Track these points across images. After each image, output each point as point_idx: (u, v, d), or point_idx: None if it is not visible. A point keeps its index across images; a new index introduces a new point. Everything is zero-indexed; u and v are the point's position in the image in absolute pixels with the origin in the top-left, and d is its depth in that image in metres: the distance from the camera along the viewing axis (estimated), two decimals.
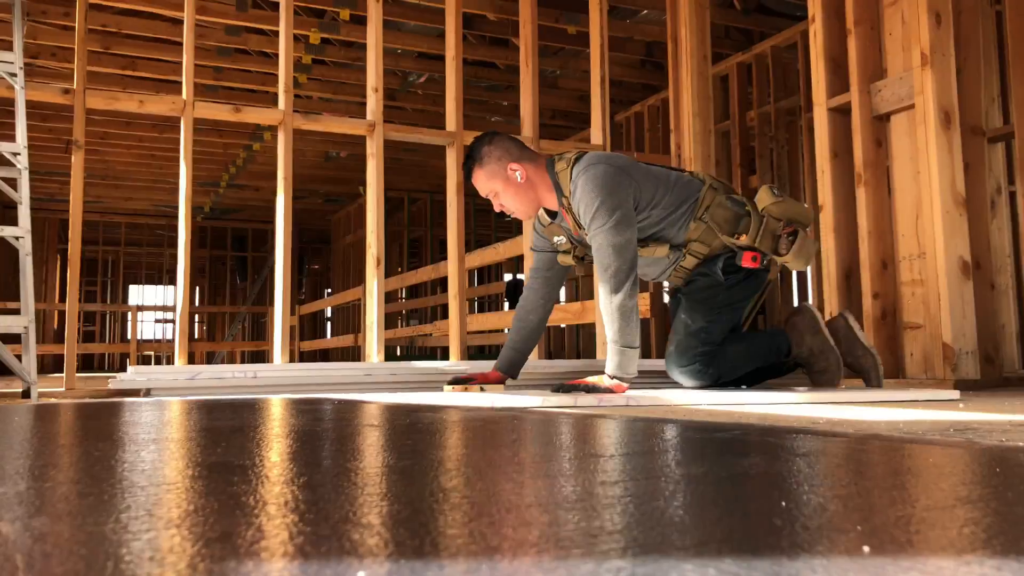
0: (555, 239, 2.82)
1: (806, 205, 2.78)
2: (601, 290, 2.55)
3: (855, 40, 3.39)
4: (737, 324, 2.79)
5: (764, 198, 2.71)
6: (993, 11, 3.87)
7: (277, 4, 3.88)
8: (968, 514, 0.59)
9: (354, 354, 10.82)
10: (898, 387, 2.99)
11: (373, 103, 3.85)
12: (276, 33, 4.46)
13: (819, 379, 2.79)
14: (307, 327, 14.45)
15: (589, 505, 0.63)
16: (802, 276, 6.87)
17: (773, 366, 2.83)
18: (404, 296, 11.99)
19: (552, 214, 2.79)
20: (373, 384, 3.17)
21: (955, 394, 2.37)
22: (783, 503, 0.64)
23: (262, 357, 12.96)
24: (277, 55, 4.19)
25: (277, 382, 3.01)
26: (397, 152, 9.38)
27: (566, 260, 2.84)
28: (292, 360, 10.52)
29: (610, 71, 4.45)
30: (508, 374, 2.87)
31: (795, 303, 6.82)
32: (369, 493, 0.71)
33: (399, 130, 4.00)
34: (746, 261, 2.67)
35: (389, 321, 10.86)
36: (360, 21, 5.74)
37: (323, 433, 1.34)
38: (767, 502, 0.65)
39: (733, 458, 0.94)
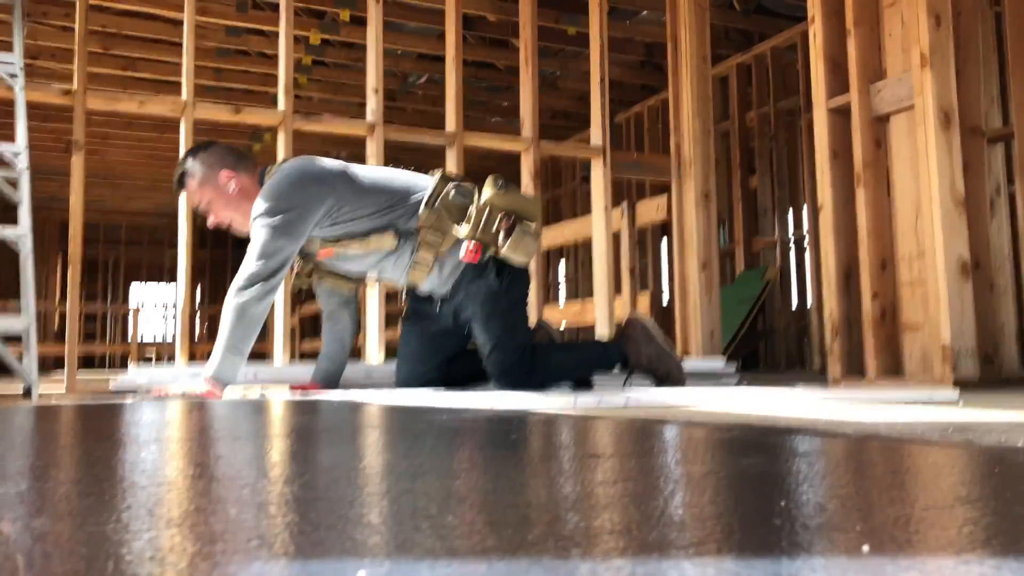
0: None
1: (533, 196, 2.70)
2: (232, 285, 2.46)
3: (855, 41, 3.40)
4: (527, 319, 2.79)
5: (487, 189, 2.56)
6: (992, 12, 3.88)
7: (277, 5, 3.88)
8: (967, 514, 0.59)
9: (354, 354, 10.81)
10: (897, 387, 2.99)
11: (373, 104, 3.85)
12: (276, 34, 4.46)
13: (663, 385, 2.85)
14: (308, 327, 14.44)
15: (589, 505, 0.64)
16: (801, 276, 6.87)
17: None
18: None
19: None
20: (373, 384, 3.17)
21: (954, 394, 2.37)
22: (783, 503, 0.64)
23: (263, 357, 12.95)
24: (277, 56, 4.19)
25: (277, 382, 3.01)
26: (397, 153, 9.36)
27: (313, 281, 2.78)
28: (293, 360, 10.47)
29: (610, 72, 4.45)
30: (328, 386, 2.81)
31: (794, 303, 6.82)
32: (369, 492, 0.71)
33: (399, 131, 4.01)
34: (467, 255, 2.55)
35: (389, 321, 10.85)
36: (360, 22, 5.74)
37: (323, 433, 1.34)
38: (767, 502, 0.65)
39: (733, 458, 0.94)
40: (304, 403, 2.22)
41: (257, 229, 2.45)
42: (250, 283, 2.41)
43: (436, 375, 2.81)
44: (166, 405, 2.07)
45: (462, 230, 2.55)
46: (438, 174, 2.69)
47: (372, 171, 2.73)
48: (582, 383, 2.88)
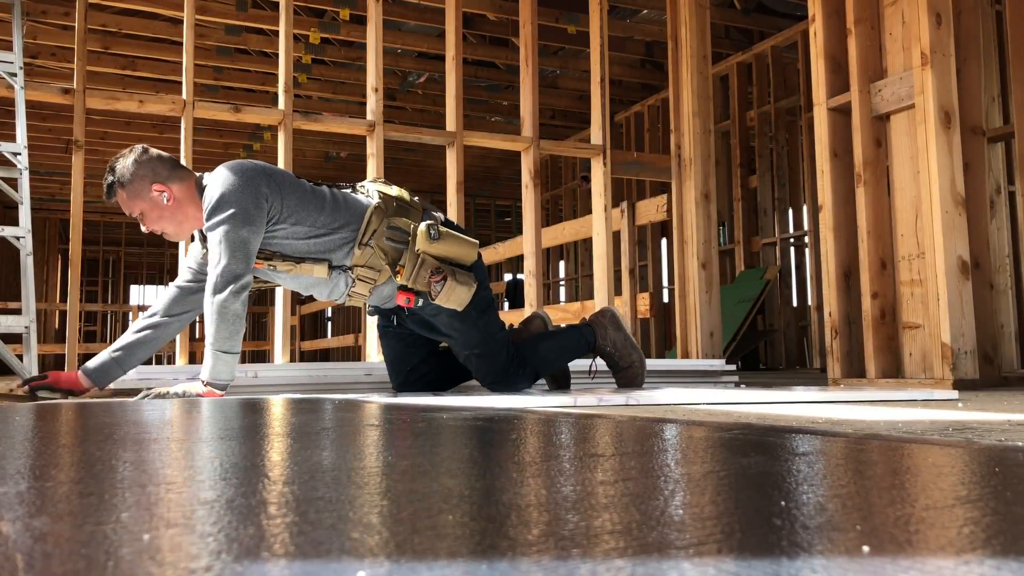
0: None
1: (469, 239, 2.65)
2: (206, 288, 2.43)
3: (855, 40, 3.39)
4: (498, 317, 2.81)
5: (421, 241, 2.55)
6: (993, 11, 3.87)
7: (277, 4, 3.88)
8: (967, 514, 0.59)
9: (354, 354, 10.81)
10: (897, 387, 2.99)
11: (373, 103, 3.85)
12: (276, 33, 4.46)
13: (623, 376, 2.92)
14: (308, 327, 14.44)
15: (589, 505, 0.64)
16: (801, 276, 6.87)
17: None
18: None
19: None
20: (373, 384, 3.17)
21: (954, 394, 2.37)
22: (783, 503, 0.64)
23: (263, 357, 12.95)
24: (277, 55, 4.19)
25: (277, 382, 3.02)
26: (397, 152, 9.38)
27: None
28: (293, 360, 10.50)
29: (610, 71, 4.45)
30: (95, 382, 2.62)
31: (794, 303, 6.82)
32: (370, 492, 0.71)
33: (399, 130, 4.01)
34: (399, 299, 2.57)
35: None
36: (360, 21, 5.74)
37: (323, 433, 1.34)
38: (767, 502, 0.65)
39: (732, 458, 0.94)
40: (303, 402, 2.22)
41: (216, 229, 2.41)
42: (224, 282, 2.39)
43: (426, 369, 2.83)
44: (166, 405, 2.07)
45: (395, 279, 2.57)
46: (373, 202, 2.60)
47: (313, 189, 2.61)
48: (561, 379, 2.99)
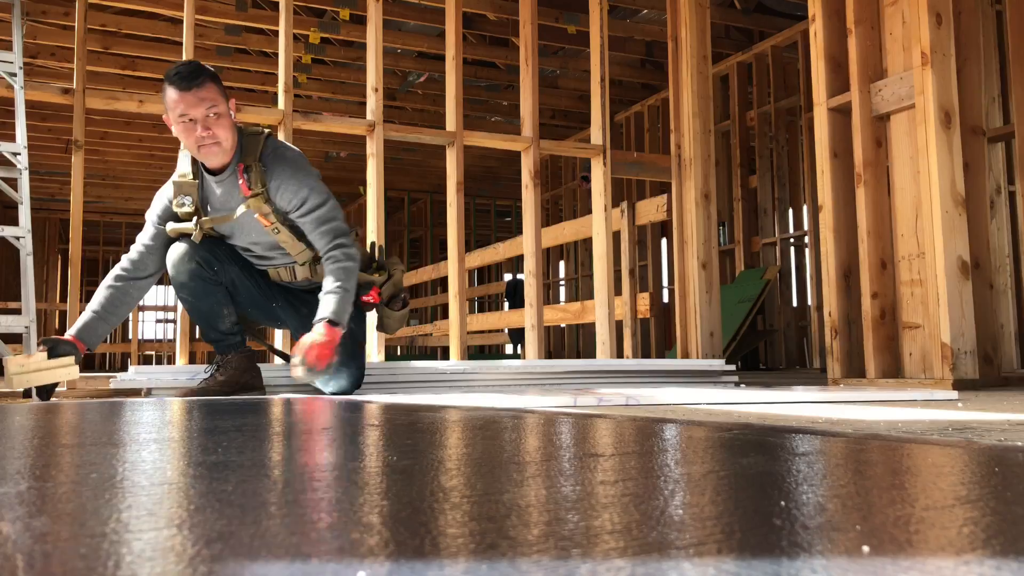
0: (184, 199, 2.66)
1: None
2: (339, 252, 2.60)
3: (855, 40, 3.39)
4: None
5: (398, 268, 2.95)
6: (993, 11, 3.87)
7: (277, 4, 3.88)
8: (967, 514, 0.59)
9: None
10: (897, 387, 2.99)
11: (373, 103, 3.85)
12: (276, 33, 4.46)
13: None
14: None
15: (589, 505, 0.64)
16: (801, 276, 6.87)
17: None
18: None
19: (212, 171, 2.65)
20: (373, 384, 3.17)
21: (954, 394, 2.37)
22: (783, 503, 0.64)
23: (263, 357, 12.95)
24: (277, 55, 4.19)
25: (277, 382, 3.01)
26: (397, 152, 9.38)
27: (183, 227, 2.67)
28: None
29: (610, 71, 4.45)
30: (87, 344, 2.63)
31: (794, 303, 6.82)
32: (370, 492, 0.71)
33: (399, 130, 4.00)
34: (371, 295, 2.86)
35: None
36: (360, 21, 5.74)
37: (323, 433, 1.34)
38: (767, 502, 0.65)
39: (732, 457, 0.94)
40: (302, 401, 2.22)
41: (323, 194, 2.66)
42: (348, 235, 2.64)
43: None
44: (166, 405, 2.07)
45: (374, 277, 2.84)
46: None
47: None
48: None
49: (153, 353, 13.92)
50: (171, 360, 13.24)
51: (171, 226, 2.68)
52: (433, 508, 0.63)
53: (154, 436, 1.27)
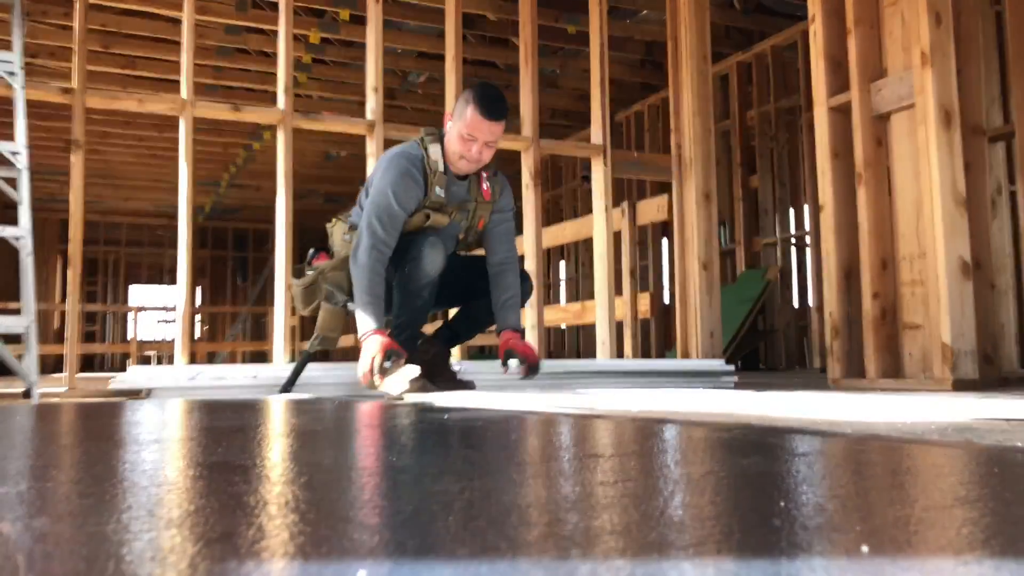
0: (439, 191, 2.75)
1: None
2: (518, 263, 2.85)
3: (855, 39, 3.39)
4: None
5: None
6: (993, 11, 3.87)
7: (277, 4, 3.87)
8: (967, 514, 0.59)
9: (354, 354, 10.79)
10: (897, 387, 2.99)
11: (373, 103, 3.85)
12: (276, 33, 4.46)
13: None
14: (308, 327, 14.44)
15: (589, 505, 0.64)
16: (801, 276, 6.87)
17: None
18: None
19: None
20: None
21: (954, 394, 2.37)
22: (782, 503, 0.64)
23: (263, 357, 12.95)
24: (277, 55, 4.18)
25: (277, 382, 3.01)
26: None
27: (441, 219, 2.78)
28: (293, 360, 10.45)
29: (610, 71, 4.44)
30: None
31: (795, 303, 6.82)
32: (370, 493, 0.71)
33: (399, 129, 4.00)
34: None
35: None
36: (360, 21, 5.74)
37: (323, 433, 1.34)
38: (766, 502, 0.65)
39: (732, 458, 0.94)
40: (307, 402, 2.22)
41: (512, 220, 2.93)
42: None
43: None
44: (166, 405, 2.07)
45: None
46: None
47: None
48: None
49: (153, 353, 13.94)
50: (171, 360, 13.24)
51: (434, 217, 2.74)
52: (433, 508, 0.63)
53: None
